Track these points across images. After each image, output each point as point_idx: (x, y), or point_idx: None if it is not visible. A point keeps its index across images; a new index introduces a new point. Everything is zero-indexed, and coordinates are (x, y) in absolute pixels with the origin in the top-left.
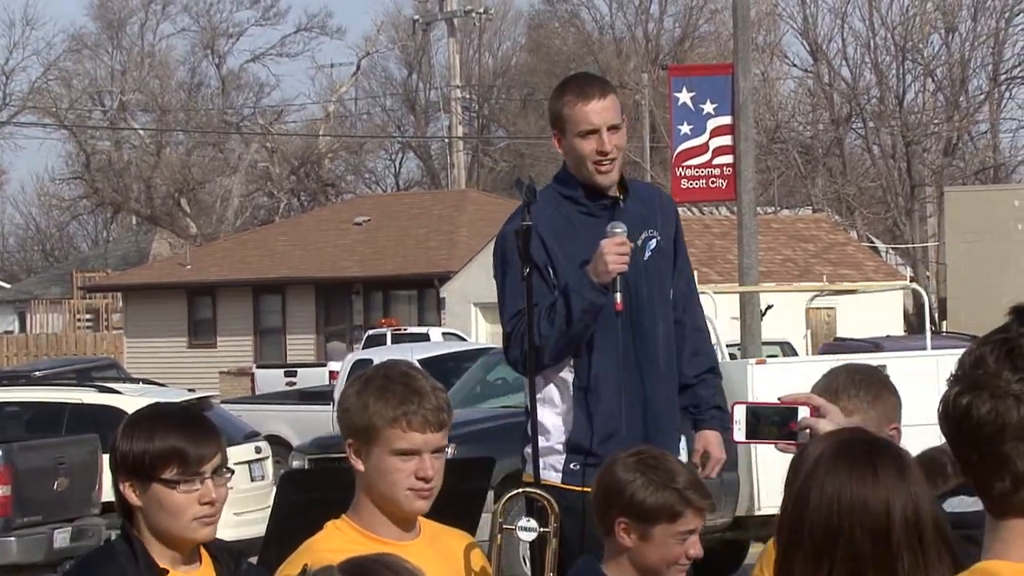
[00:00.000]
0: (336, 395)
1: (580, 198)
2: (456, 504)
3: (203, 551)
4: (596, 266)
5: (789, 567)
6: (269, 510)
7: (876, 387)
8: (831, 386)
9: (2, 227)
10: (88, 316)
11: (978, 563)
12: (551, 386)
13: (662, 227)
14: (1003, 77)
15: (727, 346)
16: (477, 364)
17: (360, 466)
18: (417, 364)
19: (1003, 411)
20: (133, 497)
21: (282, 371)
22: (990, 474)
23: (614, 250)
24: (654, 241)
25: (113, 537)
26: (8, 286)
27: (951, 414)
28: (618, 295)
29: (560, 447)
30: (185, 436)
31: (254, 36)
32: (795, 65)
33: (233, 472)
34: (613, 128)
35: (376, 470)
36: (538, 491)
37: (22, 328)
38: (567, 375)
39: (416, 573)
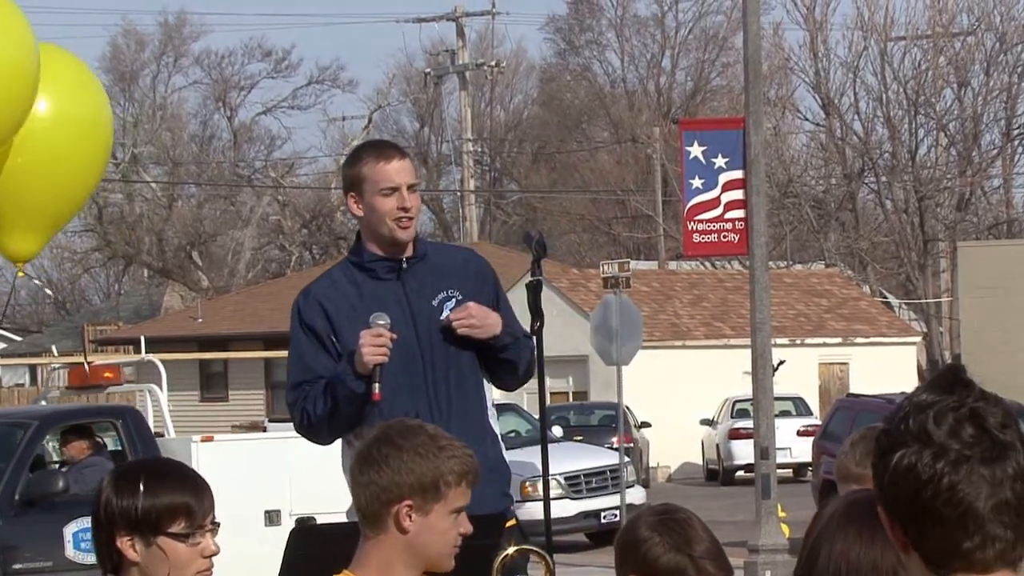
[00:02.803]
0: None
1: (366, 263)
2: (467, 560)
3: None
4: (356, 356)
5: None
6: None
7: None
8: (865, 449)
9: (13, 279)
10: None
11: None
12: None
13: (470, 287)
14: (1016, 132)
15: (739, 401)
16: None
17: (410, 526)
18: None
19: (977, 478)
20: (132, 553)
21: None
22: (958, 532)
23: (370, 342)
24: (453, 301)
25: None
26: (19, 339)
27: (911, 477)
28: (376, 385)
29: None
30: (189, 490)
31: (266, 88)
32: (807, 119)
33: (219, 524)
34: (411, 187)
35: (432, 529)
36: (535, 548)
37: (33, 381)
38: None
39: None
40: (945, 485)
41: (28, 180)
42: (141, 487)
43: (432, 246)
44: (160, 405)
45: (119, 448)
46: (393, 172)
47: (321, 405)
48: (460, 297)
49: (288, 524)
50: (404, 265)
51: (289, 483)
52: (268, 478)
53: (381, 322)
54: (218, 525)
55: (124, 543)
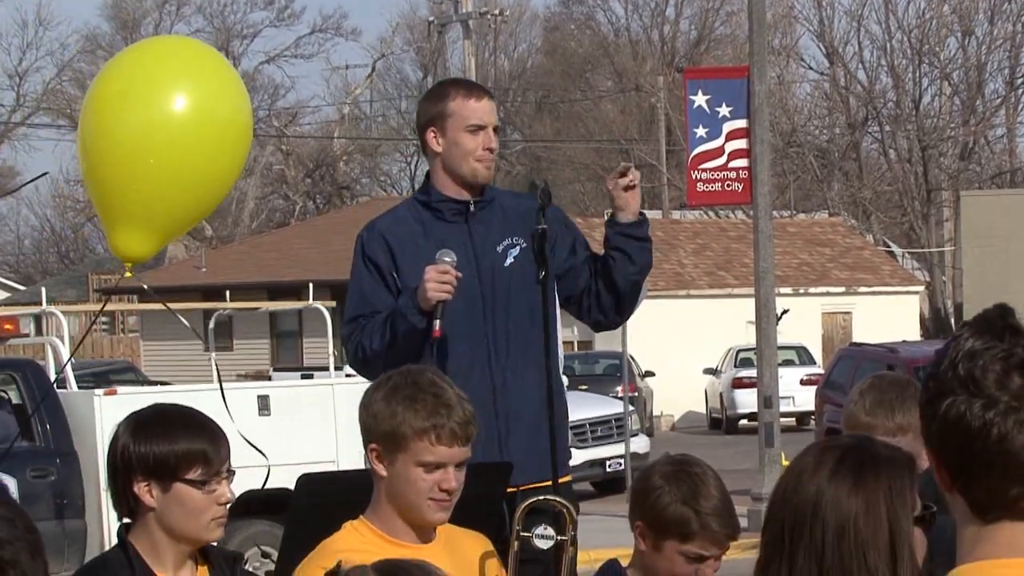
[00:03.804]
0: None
1: (434, 203)
2: (470, 508)
3: (199, 557)
4: (419, 291)
5: (762, 544)
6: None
7: (914, 396)
8: (884, 400)
9: (17, 229)
10: (104, 319)
11: (976, 563)
12: None
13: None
14: (1020, 81)
15: (743, 350)
16: None
17: (383, 471)
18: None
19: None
20: (149, 499)
21: (299, 374)
22: (1005, 481)
23: (435, 278)
24: (517, 248)
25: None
26: (24, 288)
27: (961, 426)
28: (437, 322)
29: None
30: (207, 437)
31: (268, 37)
32: (811, 68)
33: (234, 473)
34: (496, 130)
35: (399, 478)
36: (557, 498)
37: (38, 331)
38: None
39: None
40: (995, 436)
41: (157, 178)
42: (159, 433)
43: (499, 192)
44: (61, 358)
45: (20, 402)
46: (482, 110)
47: (378, 339)
48: (524, 245)
49: None
50: (472, 208)
51: None
52: None
53: (447, 259)
54: (233, 473)
55: (141, 489)
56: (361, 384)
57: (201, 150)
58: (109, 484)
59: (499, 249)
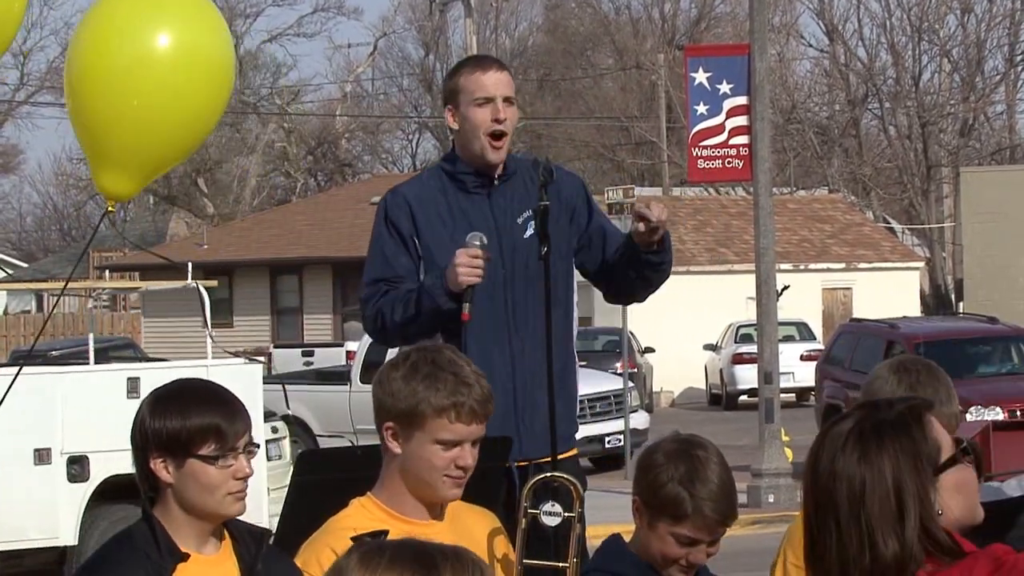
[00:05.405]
0: (354, 375)
1: (458, 173)
2: (474, 482)
3: (225, 532)
4: (449, 274)
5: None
6: (286, 490)
7: (948, 382)
8: (909, 382)
9: (20, 207)
10: (105, 296)
11: None
12: None
13: (554, 209)
14: (1019, 58)
15: (743, 326)
16: None
17: (397, 449)
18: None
19: None
20: (166, 475)
21: (299, 351)
22: None
23: (466, 262)
24: (536, 221)
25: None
26: (25, 265)
27: None
28: (466, 306)
29: None
30: (221, 412)
31: (271, 16)
32: (811, 45)
33: (259, 447)
34: (507, 100)
35: (415, 455)
36: (564, 476)
37: (39, 308)
38: None
39: (436, 557)
40: None
41: (140, 120)
42: (173, 409)
43: (521, 163)
44: None
45: None
46: (489, 82)
47: (401, 312)
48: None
49: (60, 463)
50: (496, 182)
51: (61, 420)
52: (38, 415)
53: (477, 242)
54: (257, 446)
55: (157, 465)
56: (235, 367)
57: (185, 90)
58: (133, 459)
59: (519, 221)
